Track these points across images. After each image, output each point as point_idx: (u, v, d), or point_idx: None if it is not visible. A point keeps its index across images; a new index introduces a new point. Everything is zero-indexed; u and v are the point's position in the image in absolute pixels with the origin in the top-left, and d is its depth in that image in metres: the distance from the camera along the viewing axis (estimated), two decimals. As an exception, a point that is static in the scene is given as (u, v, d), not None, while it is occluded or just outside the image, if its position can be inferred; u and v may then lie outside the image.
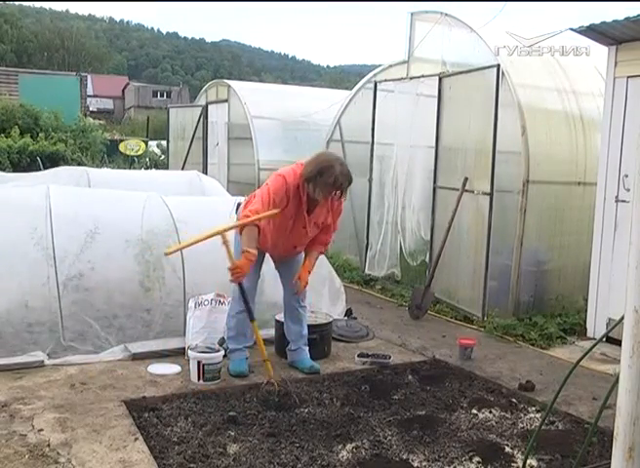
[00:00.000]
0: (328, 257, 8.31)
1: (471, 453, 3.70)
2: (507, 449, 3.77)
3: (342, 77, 68.50)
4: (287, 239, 4.83)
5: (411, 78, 8.06)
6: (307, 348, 5.19)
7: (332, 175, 4.55)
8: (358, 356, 5.39)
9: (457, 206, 6.93)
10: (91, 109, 41.08)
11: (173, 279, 5.59)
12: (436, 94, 7.37)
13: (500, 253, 6.69)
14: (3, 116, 20.50)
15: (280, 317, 5.35)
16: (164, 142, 18.55)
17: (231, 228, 4.63)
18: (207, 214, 6.07)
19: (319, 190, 4.61)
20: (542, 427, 3.77)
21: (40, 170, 12.90)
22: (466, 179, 6.88)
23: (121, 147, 22.38)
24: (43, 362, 4.90)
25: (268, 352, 5.40)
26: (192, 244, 4.53)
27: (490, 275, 6.61)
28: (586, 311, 6.31)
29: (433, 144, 7.46)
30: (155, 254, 5.57)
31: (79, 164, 17.17)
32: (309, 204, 4.75)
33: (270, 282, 5.51)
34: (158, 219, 5.80)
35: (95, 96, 55.96)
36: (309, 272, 4.91)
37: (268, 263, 5.15)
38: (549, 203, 6.63)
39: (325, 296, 6.42)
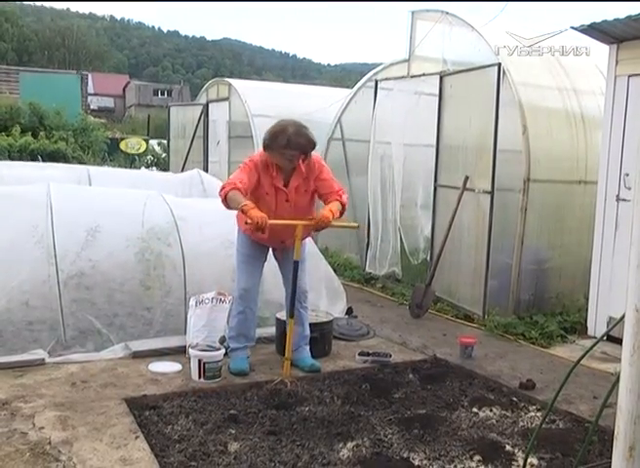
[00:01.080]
0: (328, 256, 8.33)
1: (472, 452, 3.70)
2: (508, 448, 3.77)
3: (343, 76, 68.52)
4: (276, 218, 4.72)
5: (412, 77, 8.06)
6: (308, 347, 5.19)
7: (284, 138, 4.64)
8: (359, 354, 5.39)
9: (457, 204, 6.93)
10: (92, 108, 41.07)
11: (173, 277, 5.58)
12: (437, 92, 7.37)
13: (501, 252, 6.69)
14: (6, 114, 20.50)
15: (281, 315, 5.35)
16: (165, 141, 18.53)
17: (308, 224, 4.77)
18: (208, 213, 6.07)
19: (278, 155, 4.70)
20: (543, 426, 3.77)
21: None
22: (467, 178, 6.88)
23: (122, 146, 22.38)
24: (44, 360, 4.90)
25: (269, 350, 5.44)
26: (280, 223, 4.69)
27: (490, 273, 6.60)
28: (587, 310, 6.30)
29: (434, 143, 7.46)
30: (156, 253, 5.57)
31: (79, 162, 17.19)
32: (284, 178, 4.83)
33: (270, 280, 5.51)
34: (159, 218, 5.80)
35: (95, 94, 55.93)
36: (330, 210, 4.76)
37: (268, 261, 5.15)
38: (550, 201, 6.62)
39: (324, 296, 6.43)
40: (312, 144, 4.79)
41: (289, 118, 4.88)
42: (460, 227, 7.02)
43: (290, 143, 4.64)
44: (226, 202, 4.59)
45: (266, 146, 4.73)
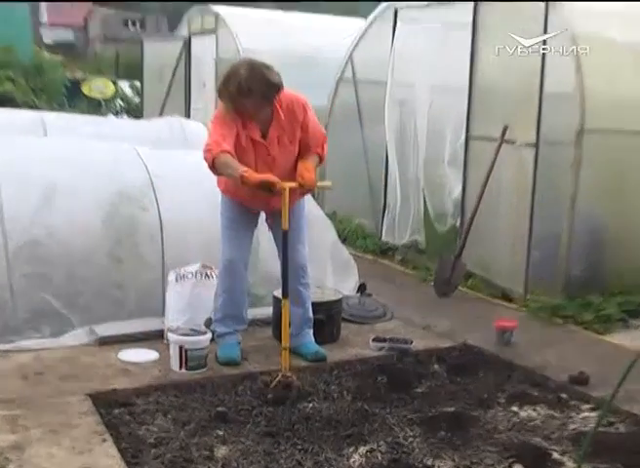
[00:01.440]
0: (337, 221, 8.30)
1: (511, 460, 3.69)
2: (555, 455, 3.76)
3: (355, 4, 67.96)
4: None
5: (439, 2, 7.94)
6: (312, 331, 5.20)
7: (235, 82, 4.56)
8: (373, 340, 5.39)
9: (494, 160, 6.87)
10: (46, 42, 40.84)
11: (149, 247, 5.59)
12: (470, 22, 7.27)
13: (547, 218, 6.66)
14: None
15: (278, 293, 5.31)
16: (138, 83, 18.44)
17: (293, 186, 4.65)
18: (192, 169, 6.02)
19: (234, 104, 4.63)
20: (599, 429, 3.75)
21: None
22: (506, 128, 6.82)
23: (85, 89, 22.23)
24: (-11, 348, 4.90)
25: (265, 334, 5.46)
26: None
27: (534, 244, 6.59)
28: (654, 289, 6.29)
29: (466, 85, 7.38)
30: (127, 218, 5.57)
31: (32, 108, 17.09)
32: (262, 128, 4.78)
33: (266, 249, 5.49)
34: (131, 175, 5.81)
35: (51, 25, 55.53)
36: (309, 169, 4.77)
37: (265, 227, 5.14)
38: (610, 157, 6.54)
39: (331, 270, 6.42)
40: (274, 87, 4.66)
41: (248, 58, 4.84)
42: (498, 188, 6.98)
43: (241, 90, 4.54)
44: (215, 168, 4.56)
45: (219, 95, 4.69)
